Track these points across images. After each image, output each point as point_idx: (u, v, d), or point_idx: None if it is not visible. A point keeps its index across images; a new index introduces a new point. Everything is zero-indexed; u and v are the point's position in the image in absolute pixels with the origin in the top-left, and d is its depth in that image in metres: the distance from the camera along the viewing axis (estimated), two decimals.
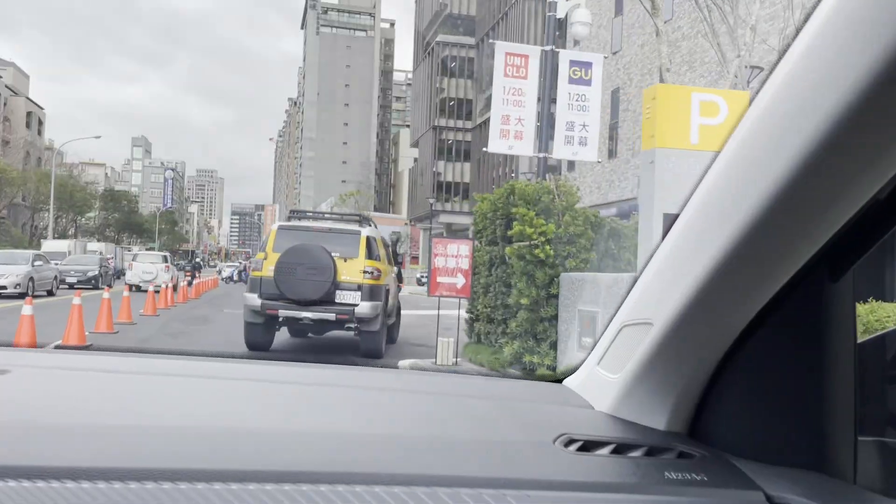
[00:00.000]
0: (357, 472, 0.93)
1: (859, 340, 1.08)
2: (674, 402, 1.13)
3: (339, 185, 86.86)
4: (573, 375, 1.43)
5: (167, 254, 37.19)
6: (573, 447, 1.06)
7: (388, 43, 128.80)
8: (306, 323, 10.58)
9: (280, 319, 10.62)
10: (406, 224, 71.27)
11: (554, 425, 1.14)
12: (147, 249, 65.40)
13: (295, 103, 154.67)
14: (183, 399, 1.19)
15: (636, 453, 1.07)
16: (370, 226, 11.85)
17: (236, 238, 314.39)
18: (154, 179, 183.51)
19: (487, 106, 57.99)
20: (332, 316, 10.37)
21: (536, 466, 1.01)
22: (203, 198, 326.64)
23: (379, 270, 10.88)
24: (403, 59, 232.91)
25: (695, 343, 1.05)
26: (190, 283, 30.52)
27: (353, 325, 10.57)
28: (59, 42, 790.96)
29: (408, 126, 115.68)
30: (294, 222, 11.68)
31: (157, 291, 19.53)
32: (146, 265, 31.28)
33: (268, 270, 10.29)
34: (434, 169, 59.47)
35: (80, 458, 0.89)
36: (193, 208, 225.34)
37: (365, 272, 10.52)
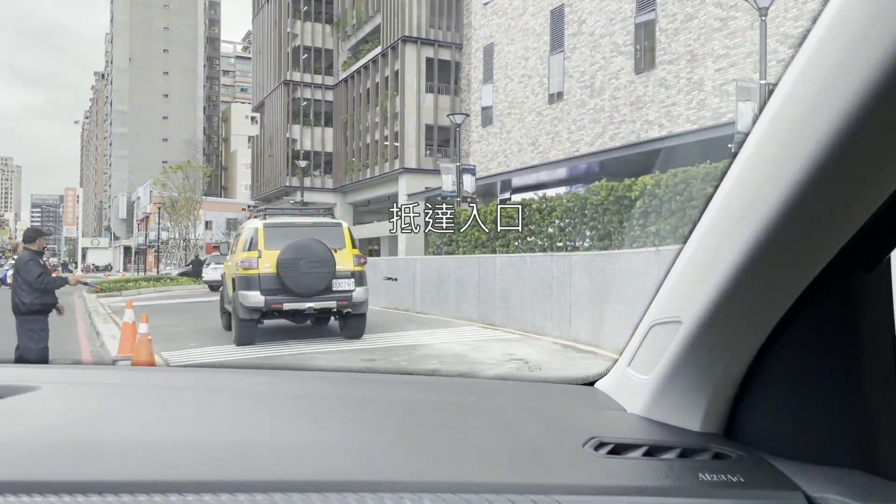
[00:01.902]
0: (381, 481, 0.91)
1: None
2: (707, 401, 1.10)
3: (160, 167, 72.10)
4: (604, 378, 1.39)
5: None
6: (603, 451, 1.04)
7: (214, 6, 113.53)
8: (309, 313, 11.46)
9: (284, 311, 11.28)
10: (244, 210, 59.17)
11: (583, 429, 1.12)
12: None
13: (103, 76, 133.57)
14: (187, 412, 1.17)
15: (669, 455, 1.04)
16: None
17: None
18: None
19: (354, 56, 47.54)
20: (332, 304, 11.42)
21: (565, 471, 0.99)
22: None
23: (365, 258, 12.29)
24: (230, 29, 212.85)
25: (726, 340, 1.02)
26: None
27: (350, 311, 11.59)
28: None
29: (240, 102, 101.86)
30: (276, 219, 12.11)
31: None
32: None
33: (264, 267, 11.06)
34: (288, 135, 47.50)
35: (89, 473, 0.89)
36: None
37: (355, 260, 11.76)
